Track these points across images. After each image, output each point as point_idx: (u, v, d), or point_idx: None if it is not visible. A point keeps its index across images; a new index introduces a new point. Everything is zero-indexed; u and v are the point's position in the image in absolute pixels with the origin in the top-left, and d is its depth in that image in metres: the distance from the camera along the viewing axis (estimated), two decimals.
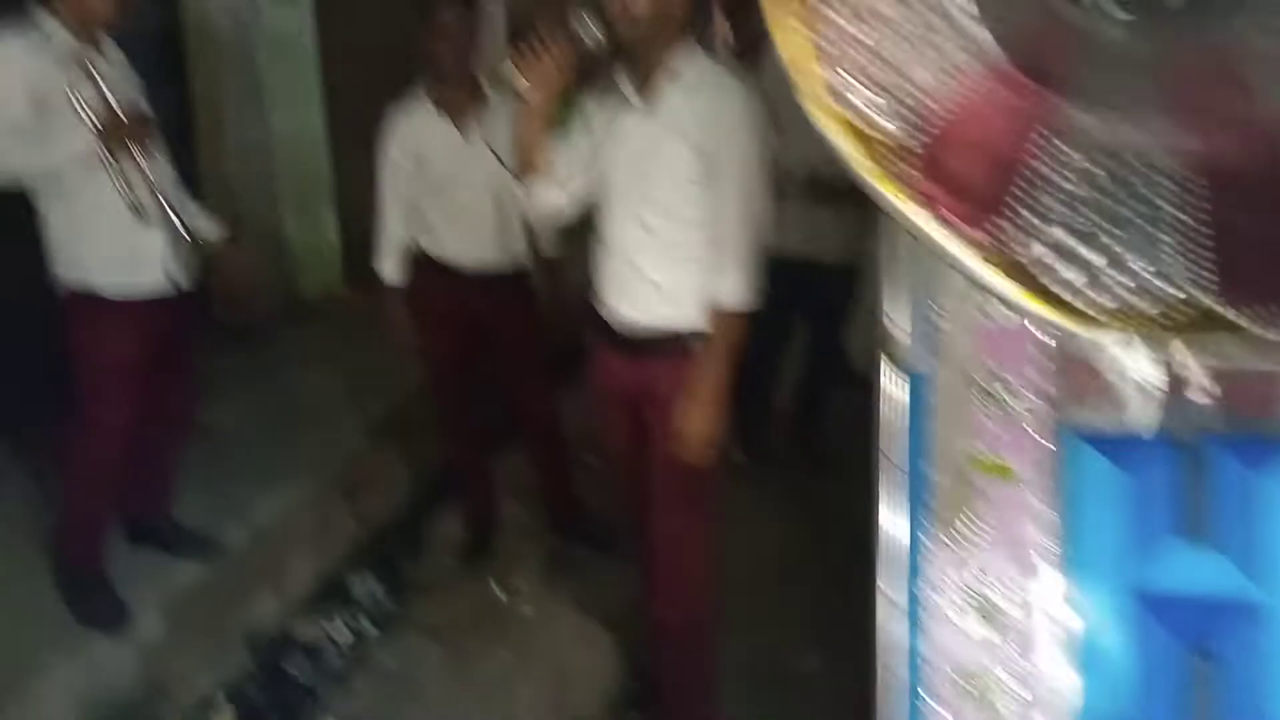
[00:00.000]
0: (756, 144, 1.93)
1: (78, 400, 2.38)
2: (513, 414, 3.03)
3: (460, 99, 2.66)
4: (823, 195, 3.06)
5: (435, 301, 2.79)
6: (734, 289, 1.95)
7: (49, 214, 2.28)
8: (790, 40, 0.91)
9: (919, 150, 0.90)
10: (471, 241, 2.74)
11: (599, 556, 3.04)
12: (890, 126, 0.90)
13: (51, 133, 2.17)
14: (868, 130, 0.90)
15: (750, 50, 3.49)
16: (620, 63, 1.97)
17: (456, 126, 2.67)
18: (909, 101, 0.91)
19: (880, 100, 0.90)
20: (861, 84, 0.90)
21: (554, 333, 2.94)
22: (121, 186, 2.26)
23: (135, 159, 2.27)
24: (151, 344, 2.39)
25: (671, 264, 1.98)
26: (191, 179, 2.83)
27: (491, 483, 3.14)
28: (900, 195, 0.90)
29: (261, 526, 2.90)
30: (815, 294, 3.21)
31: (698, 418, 1.98)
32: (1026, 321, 1.11)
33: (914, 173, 0.89)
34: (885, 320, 1.22)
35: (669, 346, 2.02)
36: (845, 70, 0.90)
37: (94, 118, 2.19)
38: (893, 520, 1.23)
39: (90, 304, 2.31)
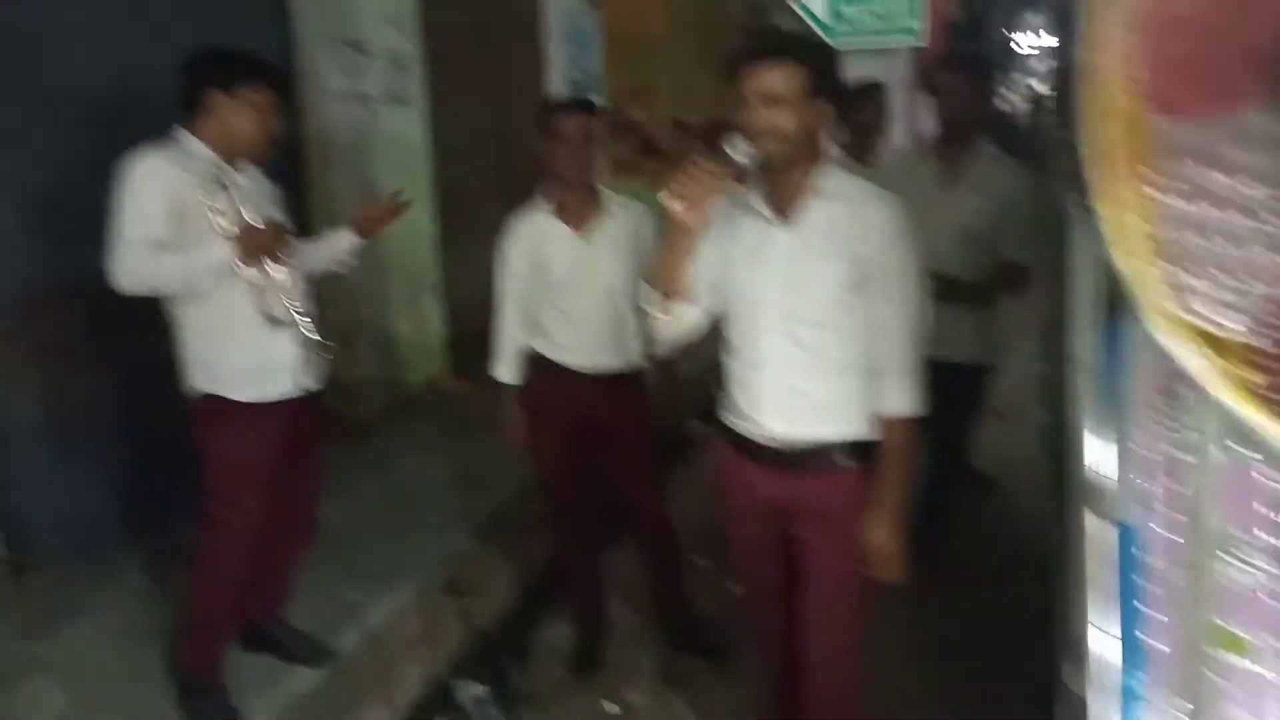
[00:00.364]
0: (910, 251, 1.91)
1: (202, 502, 2.38)
2: (624, 516, 2.96)
3: (580, 204, 2.68)
4: (946, 293, 2.97)
5: (549, 402, 2.77)
6: (902, 396, 1.93)
7: (183, 322, 2.32)
8: (1125, 238, 0.83)
9: (1272, 350, 0.80)
10: (587, 344, 2.72)
11: (713, 668, 2.91)
12: (1237, 324, 0.81)
13: (190, 245, 2.22)
14: (1213, 330, 0.81)
15: (863, 150, 3.47)
16: (756, 179, 1.93)
17: (576, 232, 2.67)
18: (1253, 292, 0.81)
19: (1224, 294, 0.81)
20: (1202, 275, 0.81)
21: (662, 433, 2.88)
22: (256, 297, 2.31)
23: (270, 269, 2.32)
24: (281, 446, 2.40)
25: (827, 376, 1.93)
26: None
27: (601, 585, 3.05)
28: (1260, 411, 0.81)
29: (372, 629, 2.86)
30: (940, 395, 3.08)
31: (884, 531, 1.94)
32: (1257, 473, 0.99)
33: (1272, 380, 0.79)
34: (1088, 468, 1.11)
35: (822, 459, 1.97)
36: (1184, 263, 0.81)
37: (231, 230, 2.24)
38: (1104, 700, 1.10)
39: (221, 407, 2.33)
